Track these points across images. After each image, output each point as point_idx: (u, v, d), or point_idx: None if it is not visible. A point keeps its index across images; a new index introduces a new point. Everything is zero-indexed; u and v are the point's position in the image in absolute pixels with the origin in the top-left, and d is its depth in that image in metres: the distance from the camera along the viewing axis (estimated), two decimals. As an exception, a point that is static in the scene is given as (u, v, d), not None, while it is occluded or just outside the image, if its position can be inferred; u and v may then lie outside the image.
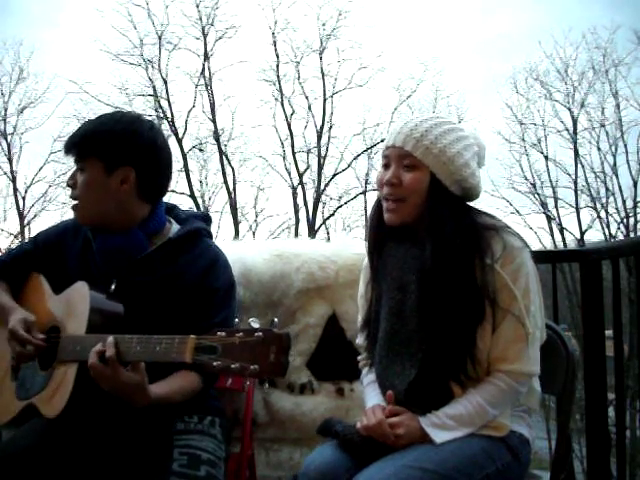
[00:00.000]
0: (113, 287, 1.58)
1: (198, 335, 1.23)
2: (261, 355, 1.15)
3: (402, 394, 1.48)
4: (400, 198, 1.51)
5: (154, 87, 17.69)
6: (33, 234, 1.82)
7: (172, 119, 17.62)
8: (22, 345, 1.51)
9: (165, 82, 17.63)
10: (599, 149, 16.89)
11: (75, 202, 1.61)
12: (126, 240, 1.59)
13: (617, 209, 16.58)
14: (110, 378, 1.33)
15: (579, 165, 16.99)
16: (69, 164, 15.69)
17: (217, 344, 1.18)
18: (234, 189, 17.98)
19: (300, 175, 18.06)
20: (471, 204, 1.58)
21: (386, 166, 1.55)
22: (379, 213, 1.59)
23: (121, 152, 1.57)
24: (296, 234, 16.95)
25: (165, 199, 1.71)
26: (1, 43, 17.55)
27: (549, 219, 17.08)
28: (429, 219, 1.49)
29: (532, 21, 26.82)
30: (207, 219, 1.77)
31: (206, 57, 17.76)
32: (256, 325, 1.25)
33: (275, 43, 17.95)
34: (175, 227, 1.68)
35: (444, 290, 1.45)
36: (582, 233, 16.64)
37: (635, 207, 16.36)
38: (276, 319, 1.24)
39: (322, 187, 18.05)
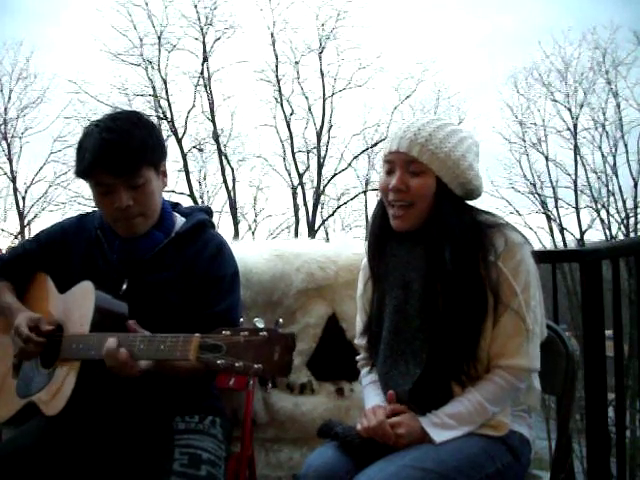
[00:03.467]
0: (125, 287, 1.59)
1: (204, 330, 1.24)
2: (265, 354, 1.15)
3: (407, 394, 1.48)
4: (408, 204, 1.50)
5: (154, 87, 17.68)
6: (33, 234, 1.81)
7: (172, 119, 17.62)
8: (24, 342, 1.52)
9: (165, 82, 17.64)
10: (600, 149, 16.91)
11: (135, 218, 1.57)
12: (150, 242, 1.62)
13: (617, 209, 16.61)
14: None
15: (579, 165, 17.02)
16: (69, 164, 15.75)
17: (222, 343, 1.19)
18: (233, 189, 18.00)
19: (300, 175, 18.07)
20: (472, 203, 1.58)
21: (390, 172, 1.53)
22: (382, 216, 1.58)
23: (160, 149, 1.61)
24: (296, 234, 16.95)
25: (165, 199, 1.72)
26: (1, 43, 17.54)
27: (549, 219, 17.09)
28: (439, 222, 1.48)
29: (532, 20, 26.87)
30: (209, 211, 1.81)
31: (205, 57, 17.76)
32: (261, 325, 1.25)
33: (274, 43, 17.95)
34: (180, 220, 1.71)
35: (457, 290, 1.44)
36: (582, 233, 16.65)
37: (635, 207, 16.36)
38: (281, 319, 1.23)
39: (322, 187, 18.05)
